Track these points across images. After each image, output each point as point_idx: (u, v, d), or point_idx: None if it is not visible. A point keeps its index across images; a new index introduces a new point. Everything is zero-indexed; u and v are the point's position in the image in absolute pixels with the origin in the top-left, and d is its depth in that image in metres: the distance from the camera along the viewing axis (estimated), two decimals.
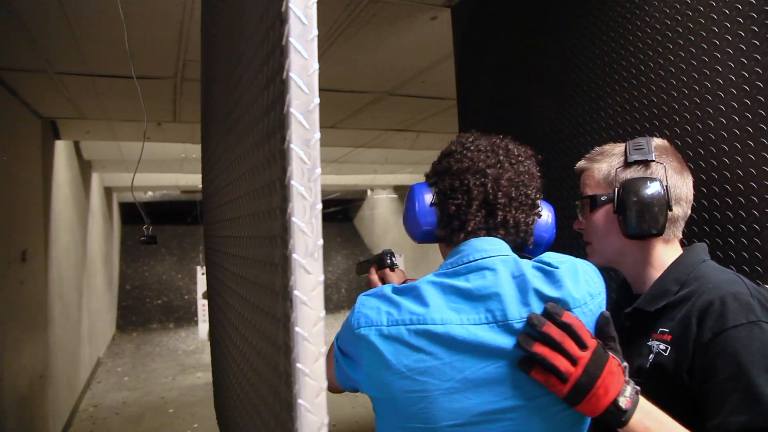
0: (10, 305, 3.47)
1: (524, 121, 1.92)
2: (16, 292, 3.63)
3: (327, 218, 15.63)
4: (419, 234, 1.04)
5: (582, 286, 0.89)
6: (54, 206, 4.85)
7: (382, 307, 0.91)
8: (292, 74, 0.59)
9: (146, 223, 3.23)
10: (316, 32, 0.60)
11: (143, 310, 11.30)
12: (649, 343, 1.03)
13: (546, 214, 1.05)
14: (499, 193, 0.96)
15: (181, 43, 2.87)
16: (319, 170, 0.60)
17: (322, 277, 0.60)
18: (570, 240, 1.67)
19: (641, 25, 1.45)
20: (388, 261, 1.39)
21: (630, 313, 1.10)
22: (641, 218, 1.04)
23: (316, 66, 0.61)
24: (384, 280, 1.35)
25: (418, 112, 4.68)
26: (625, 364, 0.86)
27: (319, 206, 0.59)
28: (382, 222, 14.48)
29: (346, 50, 2.99)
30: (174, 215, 13.27)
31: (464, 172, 0.98)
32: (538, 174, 1.03)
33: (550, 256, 0.94)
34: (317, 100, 0.62)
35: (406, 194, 1.10)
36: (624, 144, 1.14)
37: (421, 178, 1.10)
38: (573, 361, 0.82)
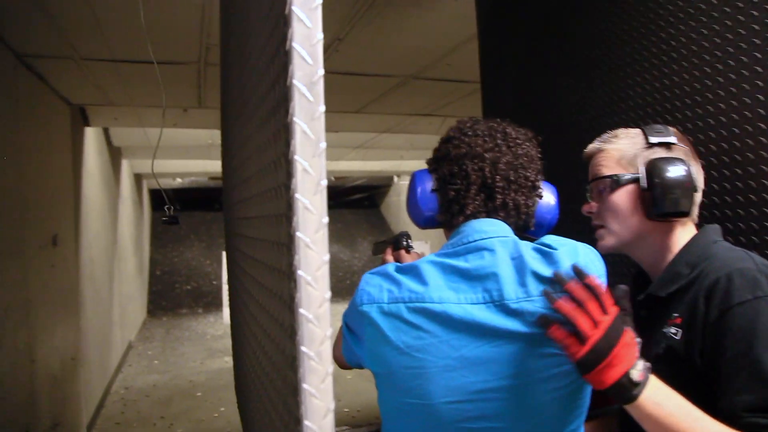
0: (41, 288, 3.56)
1: (549, 102, 1.86)
2: (48, 275, 3.72)
3: (353, 205, 15.67)
4: (422, 220, 1.07)
5: None
6: (84, 192, 4.95)
7: (384, 285, 0.95)
8: (294, 44, 0.57)
9: (167, 204, 3.31)
10: (320, 0, 0.58)
11: (173, 295, 11.51)
12: (664, 330, 1.01)
13: (548, 196, 1.06)
14: (497, 177, 0.97)
15: (203, 27, 2.87)
16: (323, 144, 0.58)
17: (327, 256, 0.57)
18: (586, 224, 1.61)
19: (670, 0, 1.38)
20: (404, 243, 1.41)
21: (644, 300, 1.07)
22: (672, 198, 1.01)
23: (320, 36, 0.59)
24: (398, 261, 1.37)
25: (444, 96, 4.61)
26: (639, 339, 0.85)
27: (324, 182, 0.57)
28: None
29: (369, 32, 2.95)
30: (202, 201, 13.46)
31: (462, 157, 0.99)
32: (538, 156, 1.04)
33: (550, 239, 0.94)
34: (321, 71, 0.59)
35: None
36: (635, 129, 1.13)
37: None
38: (594, 323, 0.81)
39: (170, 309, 11.07)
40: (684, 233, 1.08)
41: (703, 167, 1.17)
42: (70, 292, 4.31)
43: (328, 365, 0.57)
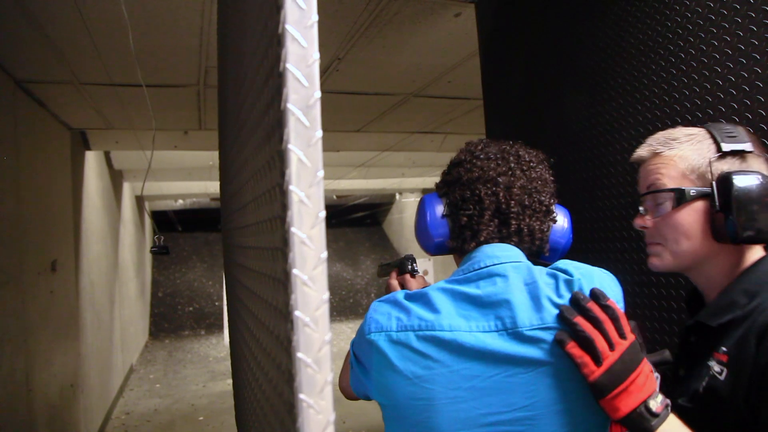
0: (40, 315, 3.50)
1: (556, 117, 1.82)
2: (47, 301, 3.66)
3: (355, 223, 15.64)
4: (432, 246, 1.03)
5: None
6: (85, 216, 4.91)
7: (393, 313, 0.91)
8: (288, 65, 0.52)
9: (157, 234, 3.26)
10: (316, 18, 0.53)
11: (175, 316, 11.43)
12: (709, 363, 0.90)
13: (561, 219, 1.02)
14: (512, 202, 0.94)
15: (201, 50, 2.85)
16: (321, 173, 0.53)
17: (326, 295, 0.53)
18: (607, 243, 1.56)
19: (680, 10, 1.34)
20: (409, 267, 1.40)
21: (693, 326, 0.97)
22: (753, 221, 0.86)
23: (317, 56, 0.54)
24: (404, 286, 1.37)
25: (445, 114, 4.59)
26: (657, 374, 0.80)
27: (322, 214, 0.53)
28: (411, 226, 14.37)
29: (369, 51, 2.92)
30: (204, 222, 13.44)
31: (475, 181, 0.96)
32: (551, 179, 1.01)
33: (565, 264, 0.90)
34: (318, 94, 0.54)
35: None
36: (700, 129, 0.97)
37: None
38: (611, 345, 0.77)
39: (172, 331, 10.99)
40: (750, 254, 0.94)
41: None
42: (69, 317, 4.26)
43: (329, 414, 0.52)
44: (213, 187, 9.28)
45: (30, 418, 3.23)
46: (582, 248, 1.62)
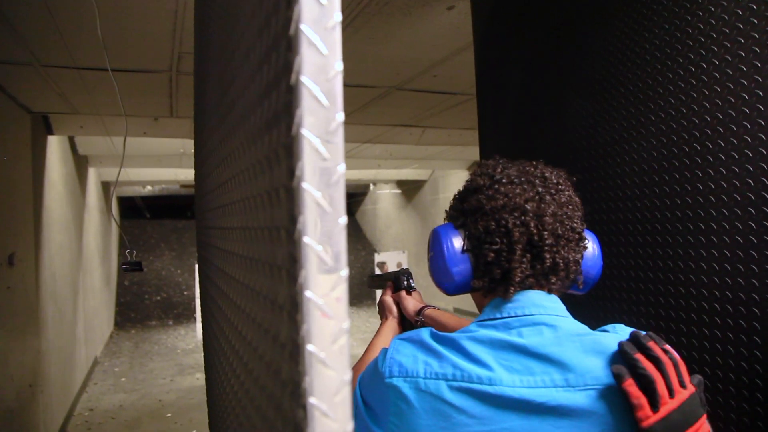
0: None
1: (556, 123, 1.72)
2: (4, 298, 3.45)
3: None
4: (451, 287, 0.89)
5: None
6: (46, 204, 4.66)
7: (419, 356, 0.79)
8: (303, 78, 0.39)
9: (129, 249, 3.08)
10: (339, 17, 0.40)
11: (142, 306, 11.13)
12: None
13: (591, 246, 0.91)
14: (545, 233, 0.81)
15: (175, 35, 2.67)
16: (343, 220, 0.41)
17: (348, 376, 0.41)
18: (613, 259, 1.47)
19: (701, 16, 1.24)
20: (405, 283, 1.33)
21: None
22: None
23: (340, 66, 0.41)
24: (399, 303, 1.29)
25: (428, 108, 4.47)
26: None
27: (345, 273, 0.41)
28: (384, 217, 14.33)
29: (354, 42, 2.78)
30: (173, 209, 13.14)
31: (499, 210, 0.83)
32: (579, 200, 0.90)
33: (608, 327, 0.83)
34: (341, 117, 0.42)
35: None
36: None
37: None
38: (671, 391, 0.70)
39: (139, 321, 10.70)
40: None
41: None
42: (28, 314, 4.03)
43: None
44: (184, 174, 9.04)
45: None
46: None
